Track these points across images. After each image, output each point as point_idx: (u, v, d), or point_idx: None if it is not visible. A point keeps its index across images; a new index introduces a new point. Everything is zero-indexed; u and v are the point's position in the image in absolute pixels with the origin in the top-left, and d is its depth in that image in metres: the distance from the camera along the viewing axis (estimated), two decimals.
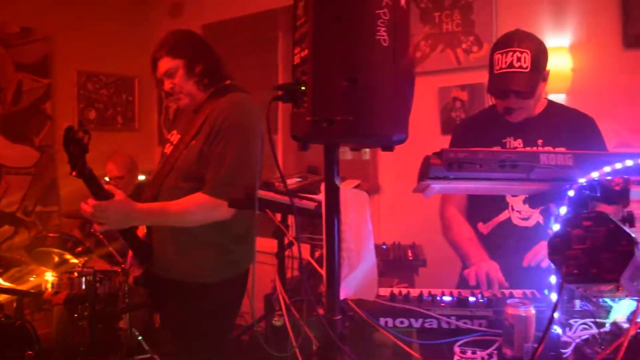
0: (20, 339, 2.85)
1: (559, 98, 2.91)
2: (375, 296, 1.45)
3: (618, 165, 1.21)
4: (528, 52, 1.73)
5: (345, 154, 3.80)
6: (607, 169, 1.20)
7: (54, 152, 4.46)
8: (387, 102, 1.05)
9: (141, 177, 3.94)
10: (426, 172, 1.27)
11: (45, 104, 4.48)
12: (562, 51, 2.92)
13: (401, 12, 1.06)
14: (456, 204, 2.01)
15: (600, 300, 1.42)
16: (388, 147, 1.12)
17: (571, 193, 1.15)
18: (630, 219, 1.08)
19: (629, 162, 1.22)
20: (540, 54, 1.77)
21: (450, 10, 3.30)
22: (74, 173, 1.80)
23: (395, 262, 2.44)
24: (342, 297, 1.27)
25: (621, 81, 2.83)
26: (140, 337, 2.94)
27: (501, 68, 1.76)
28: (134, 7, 5.05)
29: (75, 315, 2.95)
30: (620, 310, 1.25)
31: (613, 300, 1.27)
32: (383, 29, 1.02)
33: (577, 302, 1.43)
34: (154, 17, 5.09)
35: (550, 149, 1.81)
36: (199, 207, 1.96)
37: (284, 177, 1.32)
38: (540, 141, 1.85)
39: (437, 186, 1.32)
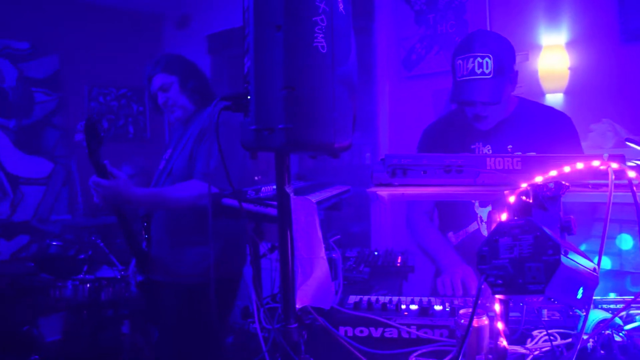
0: (26, 344, 2.93)
1: (557, 98, 2.83)
2: (336, 304, 1.43)
3: (566, 169, 1.15)
4: (490, 56, 1.59)
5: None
6: (553, 172, 1.13)
7: (68, 162, 4.61)
8: (327, 109, 1.04)
9: None
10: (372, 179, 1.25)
11: (57, 116, 4.62)
12: (558, 49, 2.84)
13: (340, 18, 1.05)
14: (423, 208, 1.96)
15: (570, 310, 1.36)
16: (332, 154, 1.11)
17: (512, 199, 1.10)
18: (568, 228, 1.03)
19: (580, 165, 1.16)
20: (504, 55, 1.63)
21: (444, 12, 3.25)
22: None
23: (383, 269, 2.40)
24: (298, 305, 1.26)
25: (620, 78, 2.73)
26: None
27: (463, 75, 1.63)
28: (142, 19, 5.15)
29: (79, 321, 3.02)
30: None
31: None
32: (321, 35, 1.02)
33: (545, 312, 1.38)
34: (162, 28, 5.20)
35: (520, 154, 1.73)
36: (190, 190, 2.11)
37: (233, 186, 1.32)
38: (510, 147, 1.74)
39: (383, 193, 1.29)
